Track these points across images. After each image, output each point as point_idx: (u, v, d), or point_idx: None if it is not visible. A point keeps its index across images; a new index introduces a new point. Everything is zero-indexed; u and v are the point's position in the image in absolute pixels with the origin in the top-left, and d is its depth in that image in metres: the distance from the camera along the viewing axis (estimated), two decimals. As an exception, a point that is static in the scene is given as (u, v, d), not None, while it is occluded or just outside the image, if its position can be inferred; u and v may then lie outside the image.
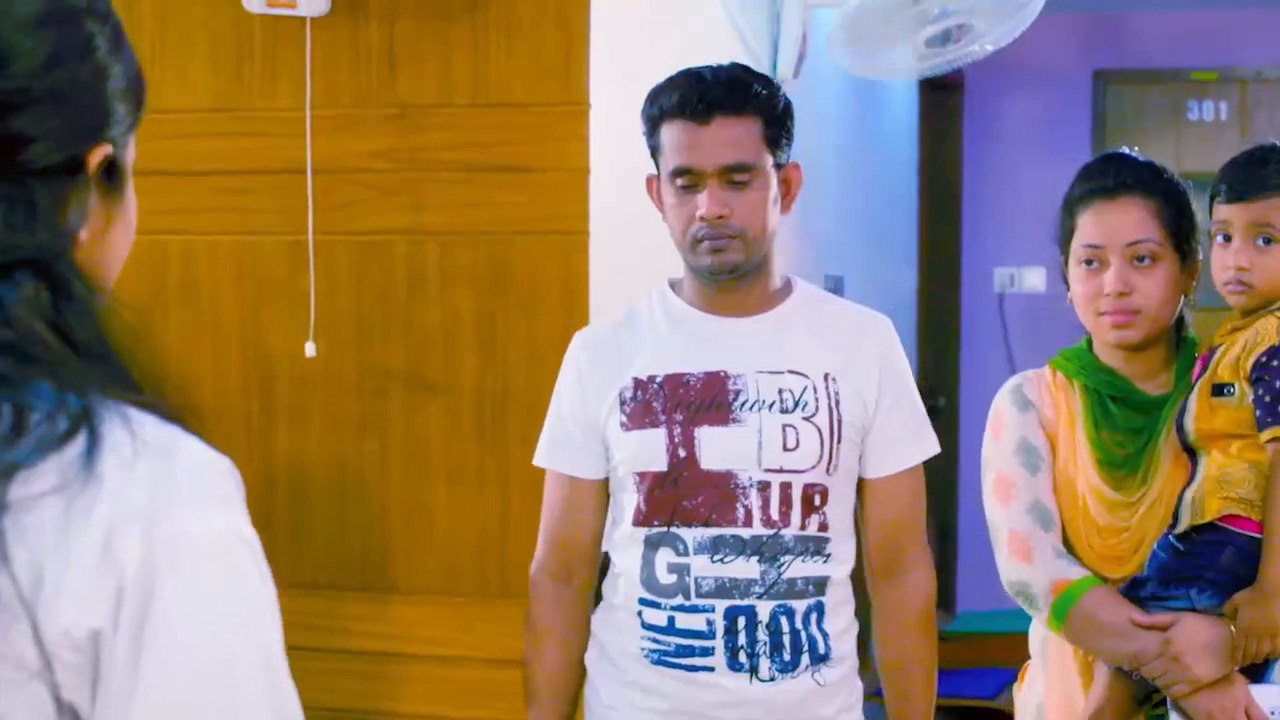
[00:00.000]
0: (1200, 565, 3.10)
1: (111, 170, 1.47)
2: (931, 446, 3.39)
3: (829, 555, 3.25)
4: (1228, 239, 3.19)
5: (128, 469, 1.31)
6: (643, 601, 3.28)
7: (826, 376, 3.26)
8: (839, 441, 3.24)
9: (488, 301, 4.25)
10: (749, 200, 3.21)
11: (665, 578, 3.24)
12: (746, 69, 3.31)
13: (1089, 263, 3.27)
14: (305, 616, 4.26)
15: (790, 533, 3.20)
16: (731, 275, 3.25)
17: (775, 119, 3.25)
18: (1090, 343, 3.38)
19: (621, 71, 4.26)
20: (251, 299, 4.44)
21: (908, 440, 3.34)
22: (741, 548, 3.19)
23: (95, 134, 1.44)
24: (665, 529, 3.23)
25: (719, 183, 3.20)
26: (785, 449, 3.21)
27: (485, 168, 4.23)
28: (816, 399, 3.24)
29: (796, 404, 3.23)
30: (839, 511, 3.27)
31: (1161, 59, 9.00)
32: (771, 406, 3.22)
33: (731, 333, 3.30)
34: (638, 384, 3.28)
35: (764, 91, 3.25)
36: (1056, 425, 3.32)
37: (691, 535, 3.21)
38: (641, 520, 3.26)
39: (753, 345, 3.28)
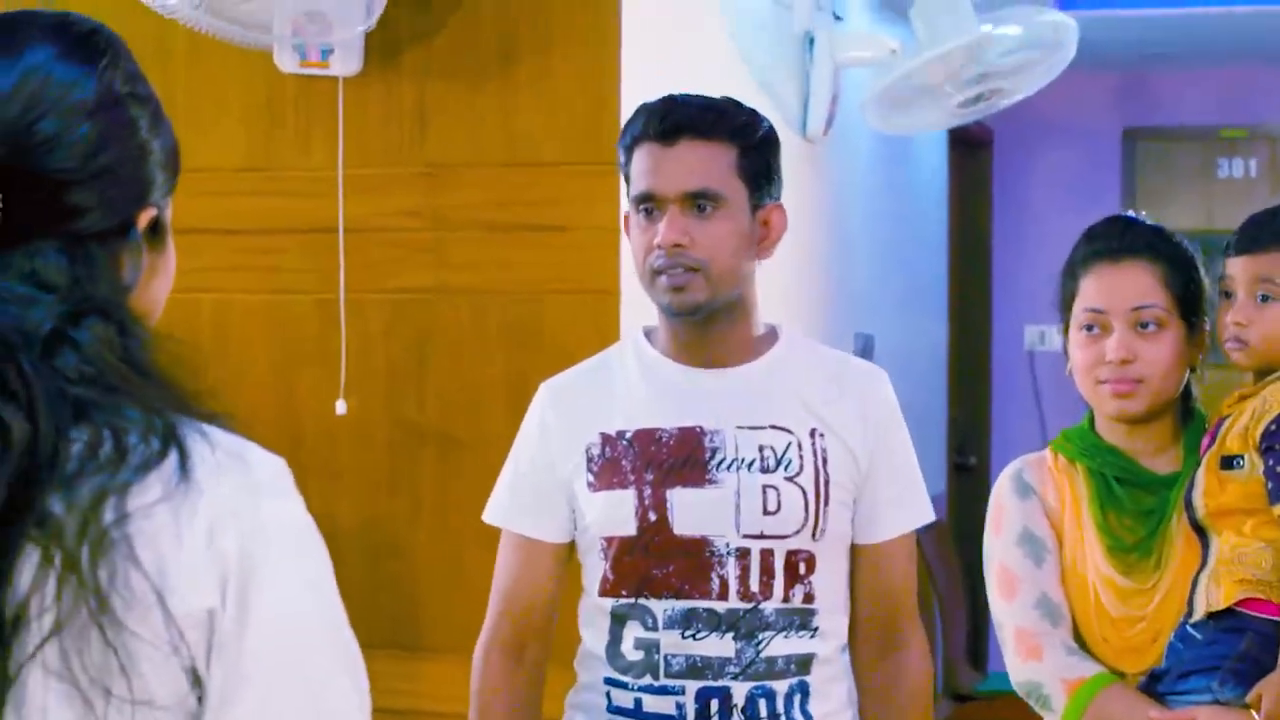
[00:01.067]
0: (1220, 654, 2.88)
1: (155, 227, 1.73)
2: (927, 513, 3.09)
3: (816, 629, 2.93)
4: (1229, 295, 3.05)
5: (215, 474, 1.60)
6: (609, 681, 2.97)
7: (813, 432, 2.94)
8: (826, 503, 2.92)
9: (518, 360, 4.25)
10: (713, 231, 2.89)
11: (632, 654, 2.93)
12: (733, 100, 3.03)
13: (1089, 328, 3.06)
14: (335, 675, 4.25)
15: (771, 606, 2.89)
16: (695, 316, 2.93)
17: (752, 149, 2.95)
18: (1092, 420, 3.15)
19: (652, 130, 4.27)
20: (282, 357, 4.45)
21: (903, 503, 3.04)
22: (716, 623, 2.87)
23: (140, 200, 1.70)
24: (633, 600, 2.92)
25: (680, 209, 2.89)
26: (766, 512, 2.89)
27: (516, 226, 4.25)
28: (801, 457, 2.92)
29: (779, 462, 2.92)
30: (828, 581, 2.96)
31: (1191, 116, 9.01)
32: (751, 465, 2.91)
33: (708, 385, 2.98)
34: (606, 440, 2.97)
35: (741, 118, 2.97)
36: (1061, 512, 3.10)
37: (661, 608, 2.89)
38: (608, 590, 2.95)
39: (731, 398, 2.95)
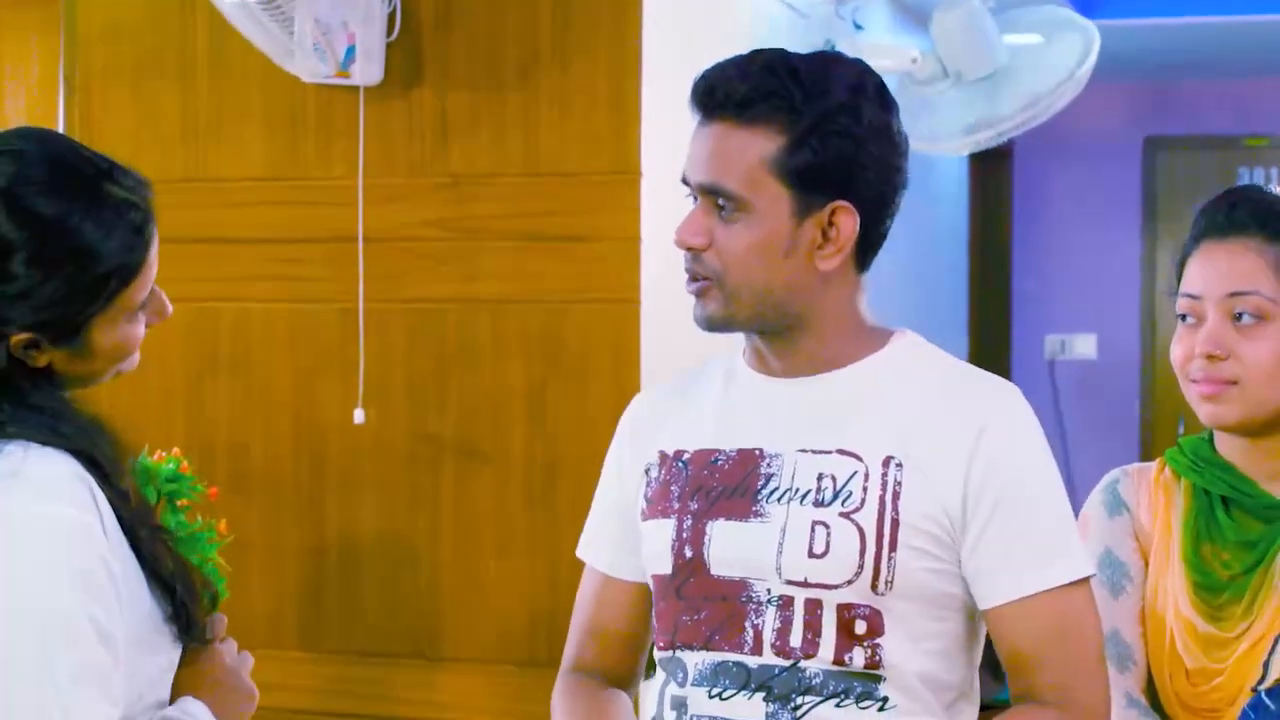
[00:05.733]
0: None
1: (62, 338, 2.10)
2: (1071, 569, 2.35)
3: (886, 703, 2.33)
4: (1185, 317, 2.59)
5: None
6: None
7: (888, 461, 2.33)
8: (892, 549, 2.31)
9: (539, 370, 4.26)
10: (731, 238, 2.34)
11: (668, 715, 2.43)
12: (821, 62, 2.39)
13: (1184, 317, 2.55)
14: (357, 685, 4.26)
15: (816, 666, 2.32)
16: (719, 331, 2.42)
17: (808, 137, 2.32)
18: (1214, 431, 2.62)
19: (673, 141, 4.28)
20: (303, 367, 4.46)
21: (1035, 556, 2.34)
22: (745, 680, 2.35)
23: (10, 328, 2.07)
24: (670, 652, 2.43)
25: (706, 202, 2.37)
26: (811, 554, 2.32)
27: (537, 237, 4.25)
28: (865, 489, 2.33)
29: (836, 495, 2.34)
30: (909, 649, 2.35)
31: (1213, 125, 9.00)
32: (805, 497, 2.35)
33: (776, 398, 2.43)
34: (663, 460, 2.49)
35: (796, 96, 2.32)
36: (1153, 535, 2.60)
37: (692, 661, 2.39)
38: (657, 638, 2.49)
39: (798, 415, 2.40)
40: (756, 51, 2.39)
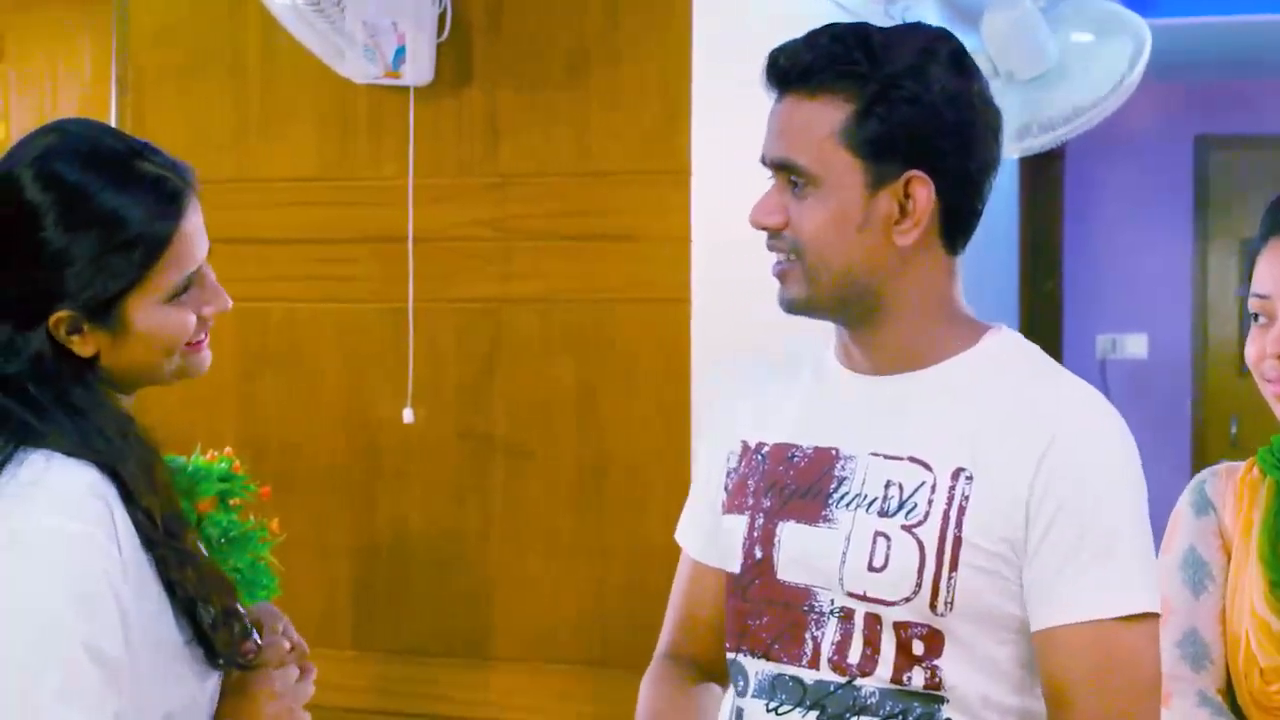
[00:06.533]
0: None
1: (99, 316, 2.09)
2: (1134, 599, 2.14)
3: None
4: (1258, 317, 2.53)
5: (3, 487, 2.01)
6: None
7: (958, 473, 2.19)
8: (953, 568, 2.16)
9: (587, 369, 4.26)
10: (804, 215, 2.24)
11: None
12: (894, 34, 2.27)
13: (1256, 317, 2.48)
14: (406, 683, 4.27)
15: (872, 685, 2.20)
16: (802, 315, 2.31)
17: (877, 105, 2.20)
18: None
19: (723, 140, 4.28)
20: (352, 366, 4.47)
21: (1088, 575, 2.14)
22: (800, 696, 2.24)
23: (42, 307, 2.08)
24: (734, 655, 2.33)
25: (780, 181, 2.26)
26: (871, 567, 2.20)
27: (586, 236, 4.25)
28: (931, 502, 2.18)
29: (901, 506, 2.20)
30: (972, 671, 2.20)
31: (1264, 124, 8.95)
32: (871, 505, 2.22)
33: (858, 397, 2.31)
34: (745, 450, 2.38)
35: (861, 62, 2.21)
36: (1234, 533, 2.54)
37: (753, 669, 2.30)
38: (726, 638, 2.38)
39: (876, 416, 2.28)
40: (831, 24, 2.31)
